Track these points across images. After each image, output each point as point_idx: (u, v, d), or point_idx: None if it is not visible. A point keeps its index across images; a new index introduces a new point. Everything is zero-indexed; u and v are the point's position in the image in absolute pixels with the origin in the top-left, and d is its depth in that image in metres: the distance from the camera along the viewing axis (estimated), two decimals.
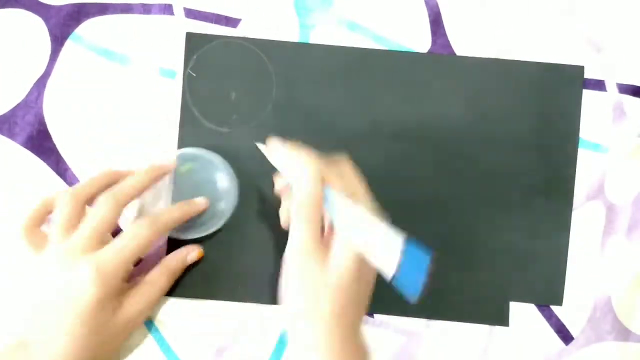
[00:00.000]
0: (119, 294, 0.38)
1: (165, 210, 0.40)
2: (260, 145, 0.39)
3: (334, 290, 0.33)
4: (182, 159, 0.42)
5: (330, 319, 0.33)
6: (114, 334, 0.38)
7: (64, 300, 0.36)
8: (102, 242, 0.37)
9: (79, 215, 0.38)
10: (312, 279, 0.34)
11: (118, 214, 0.38)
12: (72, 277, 0.36)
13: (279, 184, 0.40)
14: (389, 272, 0.32)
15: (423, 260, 0.32)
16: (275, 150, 0.37)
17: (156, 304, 0.41)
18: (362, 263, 0.34)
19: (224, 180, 0.43)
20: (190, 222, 0.42)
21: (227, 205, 0.42)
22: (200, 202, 0.42)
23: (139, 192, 0.39)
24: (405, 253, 0.32)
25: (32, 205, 0.39)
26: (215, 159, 0.42)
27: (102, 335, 0.37)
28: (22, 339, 0.36)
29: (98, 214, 0.37)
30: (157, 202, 0.43)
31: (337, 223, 0.34)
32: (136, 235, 0.37)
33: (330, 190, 0.34)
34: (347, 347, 0.34)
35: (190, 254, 0.42)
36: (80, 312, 0.36)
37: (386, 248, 0.32)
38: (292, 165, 0.36)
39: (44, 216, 0.40)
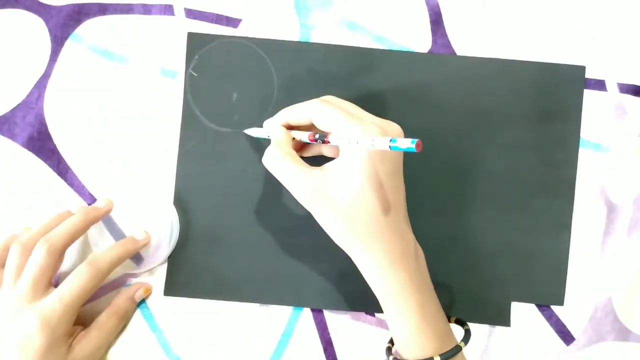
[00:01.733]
0: (69, 337, 0.39)
1: (105, 250, 0.40)
2: (249, 131, 0.41)
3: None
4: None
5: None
6: None
7: (15, 347, 0.37)
8: (46, 289, 0.38)
9: (23, 263, 0.39)
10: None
11: (55, 259, 0.39)
12: (20, 325, 0.37)
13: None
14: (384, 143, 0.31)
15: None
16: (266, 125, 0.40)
17: (107, 345, 0.41)
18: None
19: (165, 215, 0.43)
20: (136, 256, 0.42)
21: (170, 238, 0.42)
22: (139, 237, 0.42)
23: (74, 236, 0.40)
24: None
25: None
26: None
27: None
28: None
29: (35, 263, 0.38)
30: (101, 239, 0.43)
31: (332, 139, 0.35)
32: (78, 280, 0.38)
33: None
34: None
35: (137, 291, 0.42)
36: (31, 358, 0.36)
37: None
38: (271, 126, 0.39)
39: (4, 259, 0.40)
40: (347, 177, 0.34)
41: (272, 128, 0.38)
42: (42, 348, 0.37)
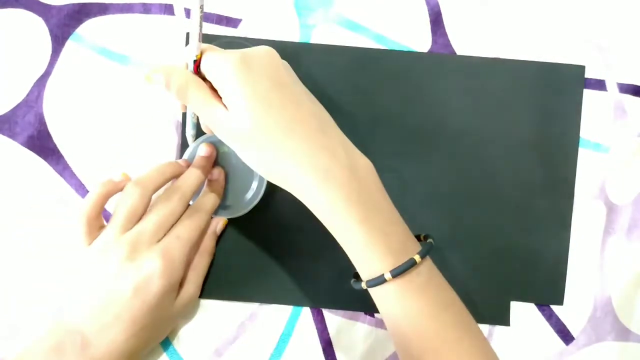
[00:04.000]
0: (178, 284, 0.39)
1: (205, 196, 0.41)
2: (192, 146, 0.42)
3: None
4: (218, 142, 0.42)
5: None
6: (170, 320, 0.40)
7: (131, 291, 0.36)
8: (164, 234, 0.38)
9: (145, 207, 0.38)
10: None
11: (183, 209, 0.39)
12: (140, 269, 0.36)
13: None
14: None
15: None
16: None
17: (200, 289, 0.42)
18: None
19: None
20: (223, 203, 0.42)
21: (258, 189, 0.42)
22: (215, 176, 0.42)
23: (197, 188, 0.40)
24: None
25: (92, 193, 0.38)
26: None
27: (159, 324, 0.38)
28: (72, 326, 0.36)
29: (165, 209, 0.38)
30: None
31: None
32: (191, 222, 0.39)
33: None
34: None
35: (217, 225, 0.43)
36: (146, 303, 0.36)
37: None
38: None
39: (104, 204, 0.39)
40: (231, 106, 0.33)
41: (170, 68, 0.35)
42: (161, 292, 0.36)
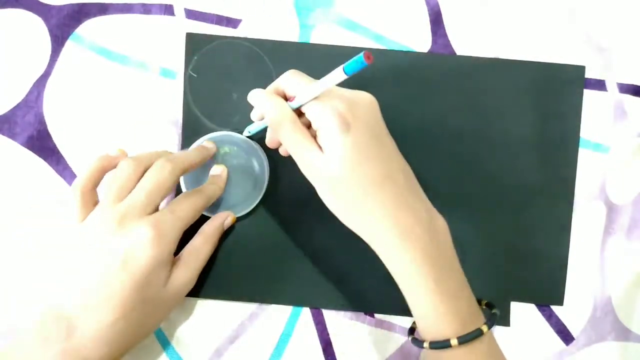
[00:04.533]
0: (171, 260, 0.38)
1: (208, 184, 0.41)
2: (249, 129, 0.42)
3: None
4: (219, 142, 0.42)
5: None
6: (162, 305, 0.38)
7: (119, 263, 0.35)
8: (156, 207, 0.37)
9: (137, 180, 0.37)
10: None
11: (174, 181, 0.38)
12: (129, 239, 0.35)
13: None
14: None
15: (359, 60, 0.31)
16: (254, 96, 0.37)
17: (198, 275, 0.40)
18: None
19: (257, 165, 0.43)
20: (222, 203, 0.42)
21: (258, 190, 0.42)
22: (217, 171, 0.42)
23: (192, 166, 0.39)
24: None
25: (88, 167, 0.38)
26: (251, 144, 0.43)
27: (151, 306, 0.37)
28: (59, 311, 0.35)
29: (154, 177, 0.37)
30: None
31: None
32: (187, 201, 0.38)
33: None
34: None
35: (227, 219, 0.42)
36: (135, 275, 0.35)
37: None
38: (263, 104, 0.36)
39: (100, 178, 0.39)
40: (328, 150, 0.33)
41: (273, 102, 0.35)
42: (151, 264, 0.35)
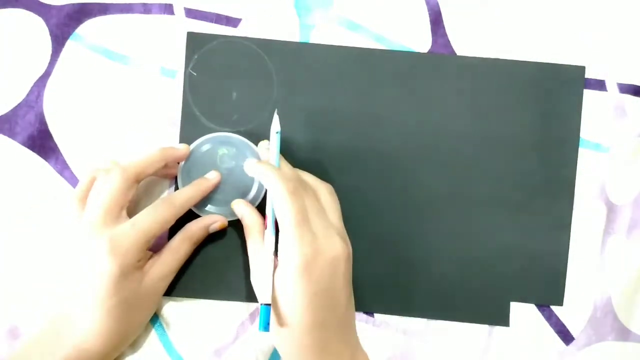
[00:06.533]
0: (142, 265, 0.39)
1: (181, 190, 0.40)
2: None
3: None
4: (217, 143, 0.42)
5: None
6: (143, 304, 0.39)
7: (91, 272, 0.37)
8: (118, 216, 0.38)
9: (122, 192, 0.38)
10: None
11: (127, 186, 0.38)
12: (91, 251, 0.37)
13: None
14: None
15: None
16: (251, 166, 0.40)
17: (177, 270, 0.41)
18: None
19: None
20: (220, 204, 0.42)
21: (257, 192, 0.42)
22: (211, 177, 0.42)
23: (148, 167, 0.39)
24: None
25: (83, 175, 0.41)
26: (249, 145, 0.42)
27: (132, 306, 0.38)
28: (65, 312, 0.38)
29: (106, 188, 0.38)
30: None
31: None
32: (152, 211, 0.38)
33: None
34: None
35: (214, 224, 0.42)
36: (104, 283, 0.37)
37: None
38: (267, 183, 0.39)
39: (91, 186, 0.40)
40: (280, 283, 0.37)
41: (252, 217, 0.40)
42: (114, 275, 0.36)
